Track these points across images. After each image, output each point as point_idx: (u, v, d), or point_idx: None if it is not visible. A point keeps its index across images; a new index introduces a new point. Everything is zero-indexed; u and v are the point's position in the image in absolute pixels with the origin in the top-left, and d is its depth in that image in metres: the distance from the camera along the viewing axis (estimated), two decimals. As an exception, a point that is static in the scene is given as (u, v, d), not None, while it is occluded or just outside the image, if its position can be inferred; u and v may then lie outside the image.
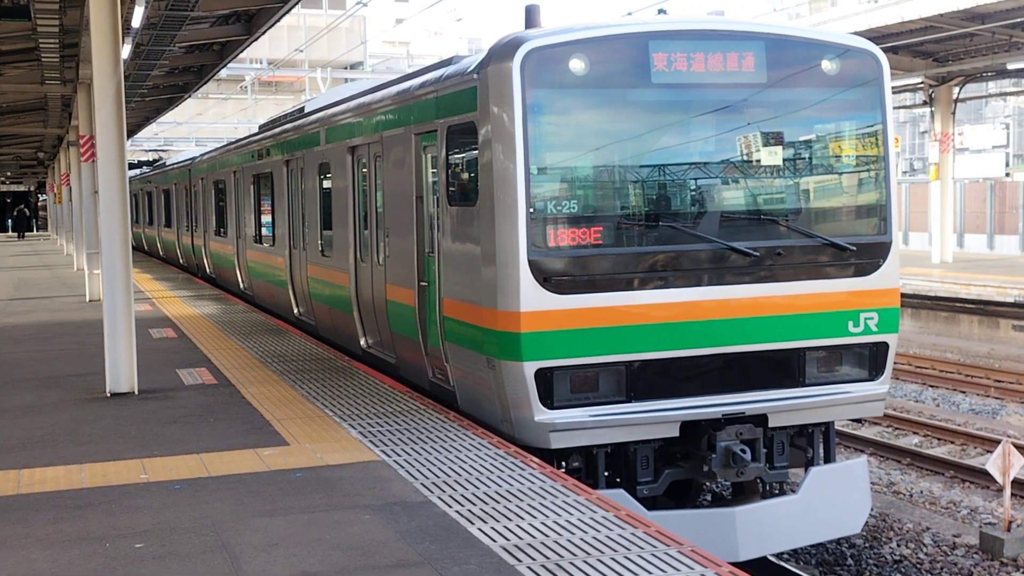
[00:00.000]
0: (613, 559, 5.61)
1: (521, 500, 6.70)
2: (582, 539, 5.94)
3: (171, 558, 5.77)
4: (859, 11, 28.74)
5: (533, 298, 8.06)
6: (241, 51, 22.49)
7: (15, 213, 67.14)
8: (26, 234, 65.64)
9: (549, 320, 8.10)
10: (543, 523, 6.23)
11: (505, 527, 6.16)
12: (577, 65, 8.19)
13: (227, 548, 5.91)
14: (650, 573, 5.41)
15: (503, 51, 8.30)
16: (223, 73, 31.12)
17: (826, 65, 8.88)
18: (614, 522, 6.25)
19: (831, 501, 8.95)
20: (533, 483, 7.10)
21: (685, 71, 8.47)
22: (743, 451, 8.42)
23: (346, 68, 56.23)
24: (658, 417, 8.35)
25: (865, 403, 9.07)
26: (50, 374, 12.02)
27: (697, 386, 8.52)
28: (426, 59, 53.50)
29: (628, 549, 5.77)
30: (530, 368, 8.09)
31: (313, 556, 5.76)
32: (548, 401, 8.16)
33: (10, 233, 67.57)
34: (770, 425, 8.73)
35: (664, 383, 8.43)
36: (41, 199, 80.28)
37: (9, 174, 67.73)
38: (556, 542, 5.88)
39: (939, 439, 14.92)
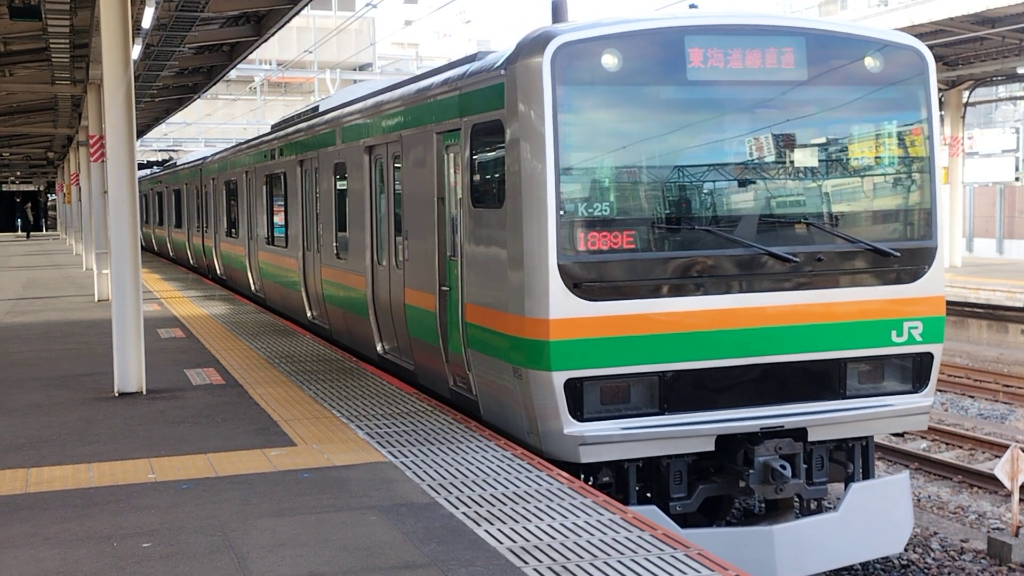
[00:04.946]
0: (620, 561, 5.61)
1: (528, 502, 6.70)
2: (589, 541, 5.93)
3: (178, 558, 5.78)
4: (869, 15, 28.73)
5: (563, 305, 7.72)
6: (251, 52, 22.53)
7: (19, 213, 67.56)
8: (32, 233, 65.88)
9: (579, 328, 7.76)
10: (550, 525, 6.23)
11: (512, 529, 6.17)
12: (610, 61, 7.85)
13: (234, 548, 5.92)
14: (657, 576, 5.42)
15: (532, 46, 7.95)
16: (232, 74, 31.20)
17: (869, 62, 8.50)
18: (621, 524, 6.24)
19: (872, 519, 8.56)
20: (540, 485, 7.09)
21: (722, 68, 8.11)
22: (783, 467, 8.02)
23: (355, 69, 56.26)
24: (693, 430, 7.98)
25: (908, 416, 8.66)
26: (59, 373, 12.05)
27: (733, 398, 8.16)
28: (435, 61, 53.56)
29: (635, 552, 5.77)
30: (559, 378, 7.75)
31: (320, 556, 5.76)
32: (578, 413, 7.81)
33: (19, 232, 67.86)
34: (809, 439, 8.33)
35: (699, 394, 8.07)
36: (51, 199, 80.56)
37: (19, 173, 67.95)
38: (563, 544, 5.88)
39: (947, 443, 14.88)
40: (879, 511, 8.63)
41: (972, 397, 18.24)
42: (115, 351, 10.67)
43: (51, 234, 70.71)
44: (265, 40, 20.87)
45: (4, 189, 74.98)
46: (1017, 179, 46.69)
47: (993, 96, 39.46)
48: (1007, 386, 18.56)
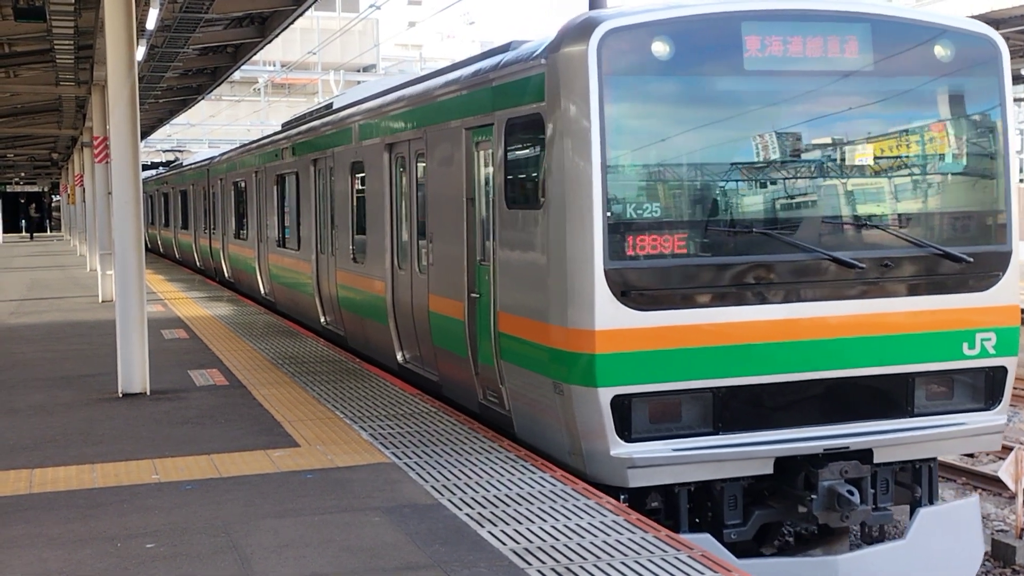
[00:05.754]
0: (623, 563, 5.61)
1: (531, 503, 6.70)
2: (592, 542, 5.93)
3: (182, 558, 5.79)
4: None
5: (610, 314, 7.13)
6: (254, 53, 22.60)
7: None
8: (36, 234, 66.15)
9: (627, 340, 7.18)
10: (553, 526, 6.23)
11: (515, 530, 6.17)
12: (660, 49, 7.28)
13: (238, 549, 5.93)
14: (660, 577, 5.42)
15: (576, 33, 7.36)
16: (236, 75, 31.27)
17: (938, 51, 7.87)
18: (624, 526, 6.24)
19: (942, 546, 7.95)
20: (543, 486, 7.09)
21: (781, 56, 7.54)
22: (850, 492, 7.38)
23: (359, 71, 56.37)
24: (750, 452, 7.38)
25: (981, 436, 8.10)
26: (62, 374, 12.07)
27: (794, 416, 7.55)
28: (439, 62, 53.59)
29: (638, 553, 5.77)
30: (606, 395, 7.16)
31: (323, 557, 5.77)
32: (626, 433, 7.22)
33: (23, 233, 68.11)
34: (875, 461, 7.72)
35: (756, 413, 7.49)
36: (55, 200, 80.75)
37: (23, 175, 68.12)
38: (566, 545, 5.88)
39: (951, 445, 14.85)
40: (949, 538, 8.05)
41: (976, 399, 18.19)
42: (119, 352, 10.68)
43: (55, 235, 70.83)
44: (269, 41, 20.93)
45: (9, 190, 75.16)
46: (1022, 180, 46.68)
47: (997, 97, 39.40)
48: (1012, 388, 18.50)
